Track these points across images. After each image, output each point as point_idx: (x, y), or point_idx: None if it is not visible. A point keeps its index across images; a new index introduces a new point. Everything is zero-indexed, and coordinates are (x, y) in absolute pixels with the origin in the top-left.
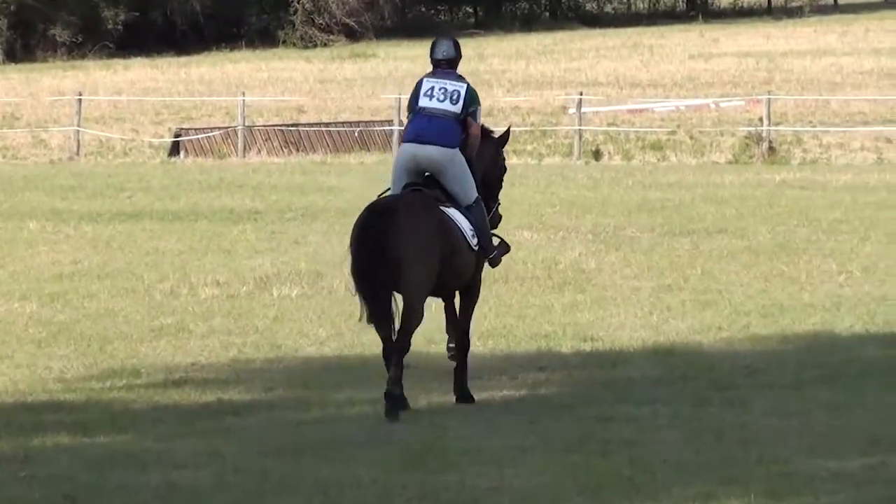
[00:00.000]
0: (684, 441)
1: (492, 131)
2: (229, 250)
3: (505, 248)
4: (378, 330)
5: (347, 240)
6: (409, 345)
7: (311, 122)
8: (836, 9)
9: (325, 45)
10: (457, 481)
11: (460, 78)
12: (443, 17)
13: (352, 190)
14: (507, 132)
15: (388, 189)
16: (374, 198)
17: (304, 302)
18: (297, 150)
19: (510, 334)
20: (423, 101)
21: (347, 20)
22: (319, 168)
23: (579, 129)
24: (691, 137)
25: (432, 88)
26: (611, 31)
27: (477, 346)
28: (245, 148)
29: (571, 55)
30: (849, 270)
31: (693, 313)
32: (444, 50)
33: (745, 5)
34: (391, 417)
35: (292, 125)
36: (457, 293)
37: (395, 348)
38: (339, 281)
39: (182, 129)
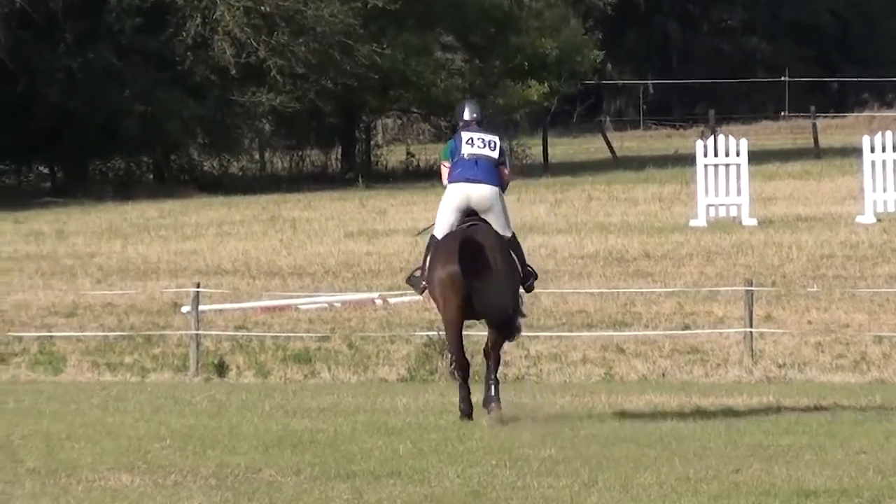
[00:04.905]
0: None
1: None
2: None
3: (534, 275)
4: (457, 352)
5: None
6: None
7: None
8: (546, 170)
9: None
10: None
11: (490, 131)
12: (7, 181)
13: None
14: None
15: (431, 225)
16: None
17: None
18: None
19: None
20: (466, 149)
21: None
22: None
23: (196, 335)
24: (350, 346)
25: (472, 138)
26: (239, 200)
27: None
28: None
29: (185, 232)
30: None
31: None
32: (474, 111)
33: (420, 165)
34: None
35: None
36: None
37: (493, 364)
38: None
39: None
